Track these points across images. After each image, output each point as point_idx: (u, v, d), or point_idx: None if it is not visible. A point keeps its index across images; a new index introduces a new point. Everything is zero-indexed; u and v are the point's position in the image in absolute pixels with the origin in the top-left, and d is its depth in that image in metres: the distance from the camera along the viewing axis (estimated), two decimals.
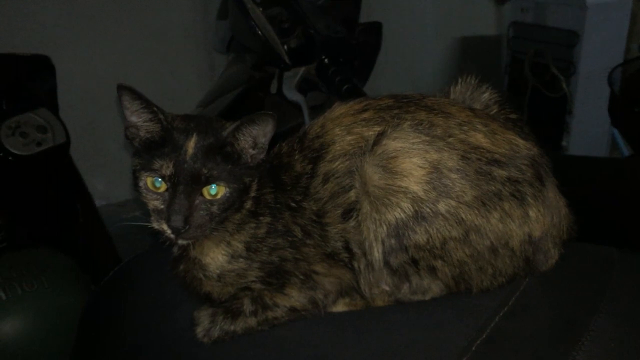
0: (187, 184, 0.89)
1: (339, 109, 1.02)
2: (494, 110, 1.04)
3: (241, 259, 0.96)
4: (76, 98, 2.38)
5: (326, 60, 1.73)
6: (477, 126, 0.93)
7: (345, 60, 1.76)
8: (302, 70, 1.74)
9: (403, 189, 0.88)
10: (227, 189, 0.91)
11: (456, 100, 1.04)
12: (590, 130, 3.12)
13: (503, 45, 3.45)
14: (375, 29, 2.08)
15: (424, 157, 0.88)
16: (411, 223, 0.89)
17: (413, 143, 0.89)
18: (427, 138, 0.89)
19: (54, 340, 1.53)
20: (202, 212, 0.91)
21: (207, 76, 2.80)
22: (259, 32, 1.57)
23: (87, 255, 1.88)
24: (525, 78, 3.20)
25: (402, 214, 0.88)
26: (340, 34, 1.75)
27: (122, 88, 0.91)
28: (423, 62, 3.53)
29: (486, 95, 1.05)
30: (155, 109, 0.92)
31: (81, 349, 1.21)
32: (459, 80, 1.07)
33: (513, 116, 1.04)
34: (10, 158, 1.69)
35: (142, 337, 1.07)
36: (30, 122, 1.71)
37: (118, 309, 1.17)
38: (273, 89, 1.78)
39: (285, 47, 1.69)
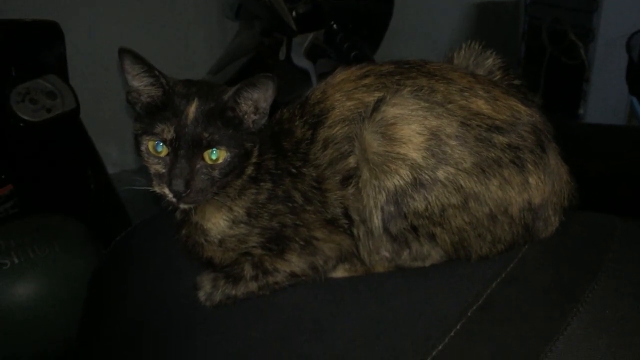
0: (188, 148, 0.89)
1: (340, 75, 1.02)
2: (498, 76, 1.03)
3: (242, 225, 0.97)
4: (89, 65, 2.39)
5: (335, 26, 1.71)
6: (479, 92, 0.92)
7: (354, 27, 1.73)
8: (310, 36, 1.72)
9: (402, 156, 0.88)
10: (228, 154, 0.92)
11: (459, 66, 1.02)
12: (608, 98, 3.06)
13: (521, 11, 3.38)
14: None
15: (423, 124, 0.87)
16: (410, 190, 0.88)
17: (412, 109, 0.88)
18: (426, 104, 0.88)
19: (65, 303, 1.56)
20: (203, 176, 0.91)
21: (219, 43, 2.78)
22: None
23: (99, 222, 1.91)
24: (543, 45, 3.13)
25: (400, 181, 0.88)
26: None
27: (123, 51, 0.91)
28: (439, 28, 3.47)
29: (490, 61, 1.04)
30: (156, 72, 0.92)
31: (89, 313, 1.24)
32: (463, 45, 1.06)
33: (517, 82, 1.02)
34: (21, 124, 1.70)
35: (146, 301, 1.09)
36: (39, 88, 1.72)
37: (124, 274, 1.19)
38: (281, 55, 1.77)
39: (294, 13, 1.67)
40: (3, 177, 1.69)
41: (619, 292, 0.88)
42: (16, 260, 1.53)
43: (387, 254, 0.98)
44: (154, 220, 1.27)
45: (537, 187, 0.91)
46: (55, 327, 1.57)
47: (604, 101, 3.04)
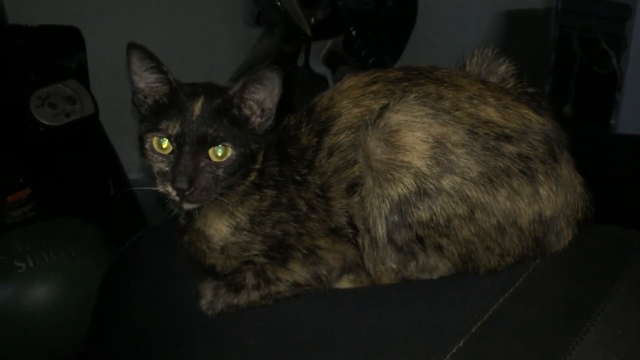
0: (192, 144, 0.88)
1: (348, 81, 1.00)
2: (511, 84, 1.00)
3: (245, 232, 0.95)
4: (113, 71, 2.40)
5: (354, 33, 1.69)
6: (489, 100, 0.89)
7: (374, 34, 1.71)
8: (329, 43, 1.70)
9: (405, 164, 0.85)
10: (234, 152, 0.91)
11: (470, 73, 1.00)
12: None
13: (551, 19, 3.32)
14: (410, 1, 2.02)
15: (428, 131, 0.85)
16: (414, 199, 0.86)
17: (416, 116, 0.85)
18: (432, 111, 0.86)
19: (79, 307, 1.56)
20: (207, 174, 0.90)
21: (244, 49, 2.78)
22: (278, 4, 1.54)
23: (118, 227, 1.91)
24: (574, 53, 3.07)
25: (404, 190, 0.86)
26: (369, 6, 1.71)
27: (132, 46, 0.91)
28: (468, 36, 3.42)
29: (503, 67, 1.01)
30: (165, 68, 0.92)
31: (97, 318, 1.24)
32: (475, 52, 1.03)
33: (530, 90, 0.99)
34: (40, 129, 1.72)
35: (150, 308, 1.08)
36: (59, 93, 1.74)
37: (131, 279, 1.18)
38: (300, 62, 1.75)
39: (313, 19, 1.65)
40: (21, 180, 1.71)
41: (633, 310, 0.83)
42: (31, 264, 1.54)
43: (393, 265, 0.96)
44: (164, 226, 1.26)
45: (548, 199, 0.87)
46: (69, 331, 1.57)
47: (636, 111, 2.96)
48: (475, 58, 1.03)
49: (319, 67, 1.70)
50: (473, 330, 0.81)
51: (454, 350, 0.79)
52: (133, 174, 2.24)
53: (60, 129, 1.74)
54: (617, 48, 2.90)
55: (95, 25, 2.23)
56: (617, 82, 2.95)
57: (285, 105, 1.02)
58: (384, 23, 1.81)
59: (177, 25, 2.63)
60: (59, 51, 1.84)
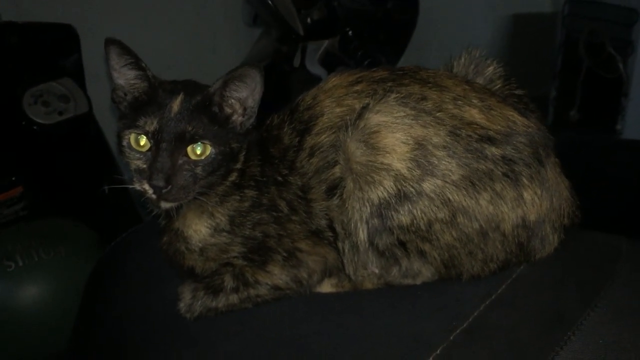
0: (170, 141, 0.87)
1: (332, 81, 0.98)
2: (498, 85, 0.97)
3: (224, 233, 0.93)
4: None
5: (350, 33, 1.67)
6: (473, 101, 0.87)
7: (371, 35, 1.69)
8: (325, 43, 1.68)
9: (385, 166, 0.83)
10: (213, 150, 0.89)
11: (456, 74, 0.97)
12: None
13: (558, 23, 3.28)
14: (411, 3, 2.00)
15: (408, 132, 0.82)
16: (394, 203, 0.83)
17: (396, 117, 0.83)
18: (413, 112, 0.83)
19: (68, 307, 1.54)
20: (185, 172, 0.88)
21: (245, 50, 2.76)
22: (269, 2, 1.53)
23: (112, 228, 1.89)
24: (580, 58, 3.04)
25: (384, 193, 0.84)
26: (366, 6, 1.69)
27: (110, 42, 0.89)
28: (473, 40, 3.36)
29: (490, 69, 0.99)
30: (143, 64, 0.91)
31: (80, 320, 1.22)
32: (463, 53, 1.01)
33: (518, 92, 0.97)
34: (35, 127, 1.71)
35: (130, 311, 1.07)
36: (52, 91, 1.72)
37: (114, 282, 1.17)
38: (296, 62, 1.74)
39: (309, 19, 1.64)
40: (13, 179, 1.70)
41: (617, 320, 0.80)
42: (20, 263, 1.53)
43: (375, 270, 0.93)
44: (150, 226, 1.25)
45: (532, 203, 0.85)
46: (59, 331, 1.56)
47: None
48: (463, 59, 1.01)
49: (315, 68, 1.68)
50: (451, 338, 0.79)
51: (431, 359, 0.77)
52: (129, 174, 2.22)
53: (53, 127, 1.73)
54: (623, 53, 2.87)
55: (96, 25, 2.21)
56: (624, 87, 2.91)
57: (280, 106, 1.00)
58: (382, 24, 1.79)
59: (179, 25, 2.61)
60: (53, 49, 1.82)
